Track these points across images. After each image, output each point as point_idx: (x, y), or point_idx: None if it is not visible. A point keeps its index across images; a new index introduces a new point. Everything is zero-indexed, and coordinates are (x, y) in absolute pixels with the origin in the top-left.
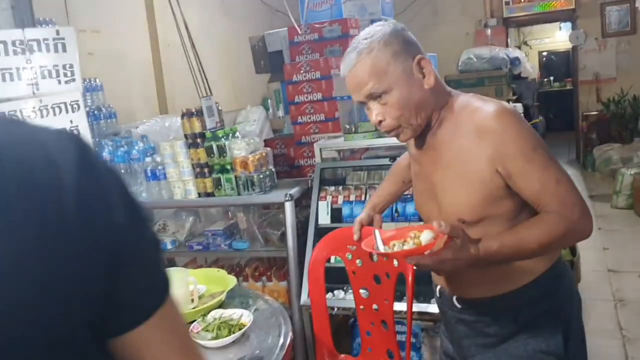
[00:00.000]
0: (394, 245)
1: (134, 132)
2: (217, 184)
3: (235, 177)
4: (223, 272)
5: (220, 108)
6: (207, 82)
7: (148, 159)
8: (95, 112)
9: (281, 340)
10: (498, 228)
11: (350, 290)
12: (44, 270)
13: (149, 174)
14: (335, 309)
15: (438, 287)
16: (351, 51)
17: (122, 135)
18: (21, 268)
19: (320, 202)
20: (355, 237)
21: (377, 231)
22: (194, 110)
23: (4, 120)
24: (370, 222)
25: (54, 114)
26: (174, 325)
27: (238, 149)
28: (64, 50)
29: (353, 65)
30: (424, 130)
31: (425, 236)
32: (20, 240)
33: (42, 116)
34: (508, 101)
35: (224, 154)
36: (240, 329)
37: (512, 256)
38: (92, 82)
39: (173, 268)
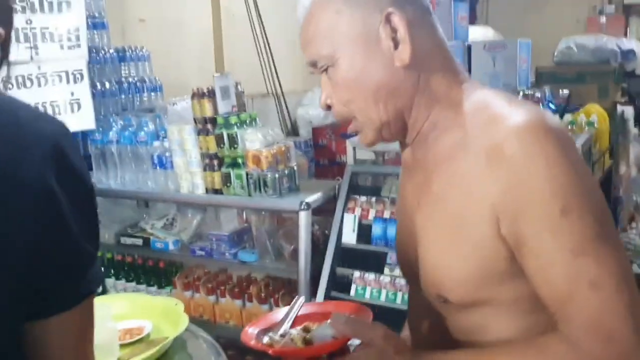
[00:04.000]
0: (307, 330)
1: (169, 110)
2: (227, 180)
3: (247, 173)
4: (180, 308)
5: (241, 89)
6: (272, 59)
7: (157, 143)
8: (138, 84)
9: None
10: (503, 322)
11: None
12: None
13: (156, 161)
14: None
15: None
16: None
17: (157, 111)
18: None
19: (346, 215)
20: None
21: (301, 300)
22: (206, 90)
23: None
24: None
25: (53, 84)
26: (83, 326)
27: (251, 141)
28: (69, 10)
29: (304, 16)
30: (415, 140)
31: (320, 332)
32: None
33: (39, 84)
34: (614, 104)
35: (235, 145)
36: None
37: None
38: (137, 51)
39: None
